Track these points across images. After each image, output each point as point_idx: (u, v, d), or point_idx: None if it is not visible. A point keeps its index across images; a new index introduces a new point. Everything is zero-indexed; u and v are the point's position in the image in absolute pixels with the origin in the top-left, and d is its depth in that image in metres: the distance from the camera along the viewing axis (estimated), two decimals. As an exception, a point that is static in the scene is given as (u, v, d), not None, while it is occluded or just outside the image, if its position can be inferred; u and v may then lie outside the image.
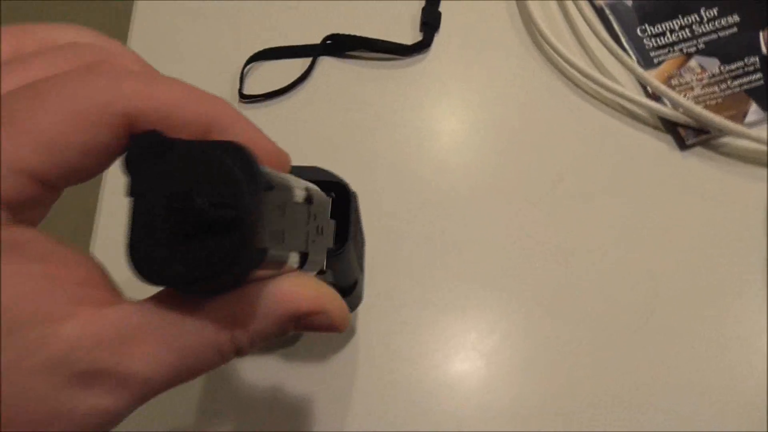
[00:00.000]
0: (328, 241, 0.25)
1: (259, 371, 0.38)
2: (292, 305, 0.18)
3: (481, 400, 0.36)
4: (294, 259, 0.19)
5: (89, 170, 0.16)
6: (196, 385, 0.37)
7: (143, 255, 0.15)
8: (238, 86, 0.46)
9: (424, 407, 0.36)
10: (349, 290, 0.32)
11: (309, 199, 0.20)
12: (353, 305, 0.35)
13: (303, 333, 0.39)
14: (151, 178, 0.15)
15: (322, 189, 0.29)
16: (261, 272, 0.17)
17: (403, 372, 0.37)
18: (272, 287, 0.17)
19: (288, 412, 0.37)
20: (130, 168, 0.16)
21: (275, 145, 0.20)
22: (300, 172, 0.28)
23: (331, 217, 0.28)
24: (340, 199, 0.29)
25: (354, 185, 0.42)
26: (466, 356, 0.37)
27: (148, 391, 0.16)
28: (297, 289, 0.18)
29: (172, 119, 0.17)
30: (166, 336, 0.16)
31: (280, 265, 0.18)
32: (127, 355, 0.15)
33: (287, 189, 0.18)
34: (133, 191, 0.16)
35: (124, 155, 0.16)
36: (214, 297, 0.17)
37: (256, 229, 0.15)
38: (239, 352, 0.17)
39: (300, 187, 0.19)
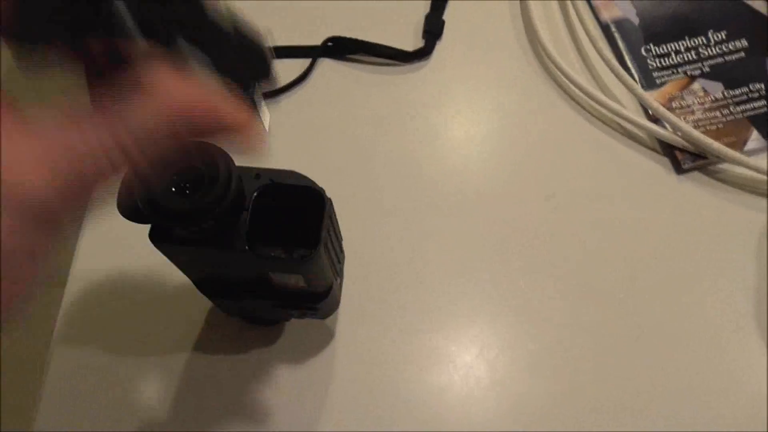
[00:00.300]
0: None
1: (235, 370, 0.38)
2: (174, 98, 0.18)
3: (459, 414, 0.36)
4: None
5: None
6: (166, 385, 0.37)
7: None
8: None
9: (399, 416, 0.36)
10: (323, 295, 0.32)
11: None
12: (329, 310, 0.35)
13: (283, 321, 0.38)
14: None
15: (297, 195, 0.28)
16: None
17: (381, 379, 0.37)
18: (154, 83, 0.18)
19: (262, 413, 0.37)
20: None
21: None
22: (276, 175, 0.28)
23: (307, 223, 0.28)
24: (315, 205, 0.28)
25: (348, 187, 0.41)
26: (443, 369, 0.37)
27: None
28: (179, 83, 0.18)
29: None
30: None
31: None
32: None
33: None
34: None
35: None
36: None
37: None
38: (128, 156, 0.17)
39: None
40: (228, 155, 0.27)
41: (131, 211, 0.26)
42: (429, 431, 0.35)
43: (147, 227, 0.28)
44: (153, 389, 0.37)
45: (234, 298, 0.33)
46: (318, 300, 0.32)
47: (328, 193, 0.29)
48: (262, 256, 0.28)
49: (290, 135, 0.44)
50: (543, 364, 0.37)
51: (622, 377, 0.36)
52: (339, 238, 0.33)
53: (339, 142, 0.44)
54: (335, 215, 0.31)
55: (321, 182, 0.29)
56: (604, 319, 0.38)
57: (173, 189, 0.26)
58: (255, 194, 0.28)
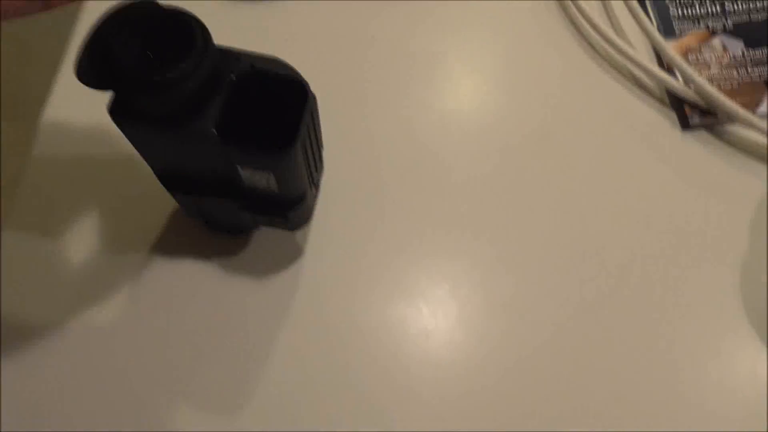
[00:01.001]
0: None
1: (193, 279, 0.36)
2: None
3: (422, 346, 0.34)
4: None
5: None
6: (118, 288, 0.35)
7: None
8: None
9: (362, 342, 0.34)
10: (295, 202, 0.30)
11: None
12: (299, 222, 0.33)
13: (249, 230, 0.36)
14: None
15: (280, 86, 0.26)
16: None
17: (347, 304, 0.35)
18: None
19: (217, 326, 0.35)
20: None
21: None
22: (258, 61, 0.26)
23: (286, 118, 0.26)
24: (297, 99, 0.26)
25: (338, 100, 0.38)
26: (411, 302, 0.35)
27: None
28: None
29: None
30: None
31: None
32: None
33: None
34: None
35: None
36: None
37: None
38: None
39: None
40: (205, 27, 0.24)
41: (91, 76, 0.24)
42: (390, 362, 0.34)
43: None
44: (103, 291, 0.35)
45: (198, 194, 0.30)
46: (289, 207, 0.30)
47: (316, 93, 0.26)
48: (231, 145, 0.25)
49: (279, 40, 0.41)
50: (517, 308, 0.35)
51: (596, 326, 0.35)
52: (319, 145, 0.30)
53: (332, 55, 0.41)
54: (318, 117, 0.28)
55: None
56: (584, 266, 0.36)
57: (141, 54, 0.23)
58: (232, 77, 0.25)
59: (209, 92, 0.25)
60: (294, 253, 0.36)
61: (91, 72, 0.23)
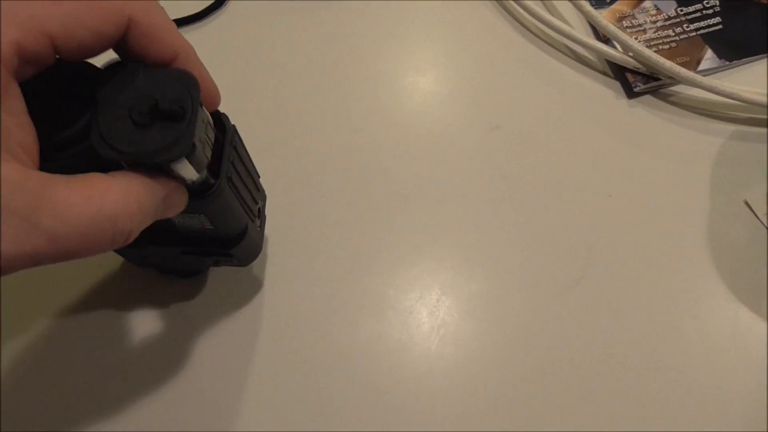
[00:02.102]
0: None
1: (152, 329, 0.34)
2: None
3: (393, 362, 0.33)
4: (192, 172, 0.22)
5: (87, 50, 0.20)
6: (72, 345, 0.34)
7: (106, 137, 0.20)
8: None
9: (336, 366, 0.33)
10: (236, 239, 0.28)
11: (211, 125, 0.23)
12: (247, 257, 0.31)
13: (200, 271, 0.35)
14: (119, 87, 0.21)
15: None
16: (177, 168, 0.21)
17: (315, 329, 0.34)
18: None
19: (183, 373, 0.33)
20: (104, 74, 0.21)
21: (215, 86, 0.24)
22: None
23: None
24: (217, 131, 0.24)
25: (270, 121, 0.37)
26: (382, 315, 0.34)
27: (48, 249, 0.18)
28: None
29: (155, 39, 0.22)
30: (74, 204, 0.18)
31: (194, 168, 0.22)
32: (40, 210, 0.18)
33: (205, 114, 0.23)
34: (102, 94, 0.21)
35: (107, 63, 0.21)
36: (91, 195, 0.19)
37: (195, 125, 0.20)
38: (130, 235, 0.20)
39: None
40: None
41: None
42: (368, 379, 0.33)
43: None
44: (60, 349, 0.33)
45: (135, 246, 0.29)
46: (230, 245, 0.28)
47: (240, 124, 0.25)
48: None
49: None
50: (486, 307, 0.34)
51: (567, 315, 0.34)
52: (252, 174, 0.29)
53: (254, 78, 0.40)
54: (243, 145, 0.27)
55: (237, 115, 0.24)
56: (550, 257, 0.35)
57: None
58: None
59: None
60: (253, 287, 0.35)
61: None
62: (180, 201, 0.23)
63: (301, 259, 0.35)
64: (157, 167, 0.21)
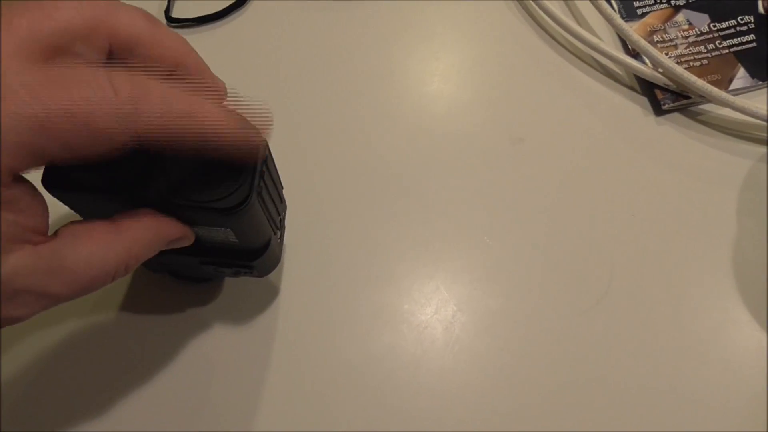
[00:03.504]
0: None
1: (167, 334, 0.34)
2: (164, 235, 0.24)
3: (406, 377, 0.33)
4: None
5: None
6: (88, 350, 0.33)
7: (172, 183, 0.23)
8: (165, 6, 0.40)
9: (349, 377, 0.33)
10: (259, 252, 0.28)
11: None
12: (267, 268, 0.31)
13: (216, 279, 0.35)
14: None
15: None
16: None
17: (329, 339, 0.33)
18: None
19: (198, 379, 0.33)
20: None
21: (216, 79, 0.25)
22: None
23: (236, 164, 0.24)
24: None
25: (290, 127, 0.37)
26: (396, 328, 0.34)
27: (54, 304, 0.21)
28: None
29: (152, 54, 0.22)
30: (78, 271, 0.21)
31: None
32: (50, 282, 0.21)
33: None
34: None
35: None
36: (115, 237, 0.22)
37: (256, 174, 0.23)
38: (126, 272, 0.23)
39: None
40: None
41: None
42: (380, 393, 0.32)
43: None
44: (71, 351, 0.33)
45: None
46: (253, 257, 0.28)
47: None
48: (181, 205, 0.23)
49: (222, 66, 0.39)
50: (504, 324, 0.34)
51: (587, 336, 0.34)
52: (278, 186, 0.29)
53: (275, 76, 0.39)
54: (272, 157, 0.26)
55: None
56: (571, 274, 0.35)
57: None
58: None
59: (153, 156, 0.23)
60: (268, 293, 0.34)
61: None
62: (185, 242, 0.25)
63: (316, 267, 0.35)
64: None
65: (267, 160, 0.25)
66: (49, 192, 0.23)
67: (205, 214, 0.24)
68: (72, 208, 0.25)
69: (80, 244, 0.21)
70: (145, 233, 0.23)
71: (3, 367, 0.33)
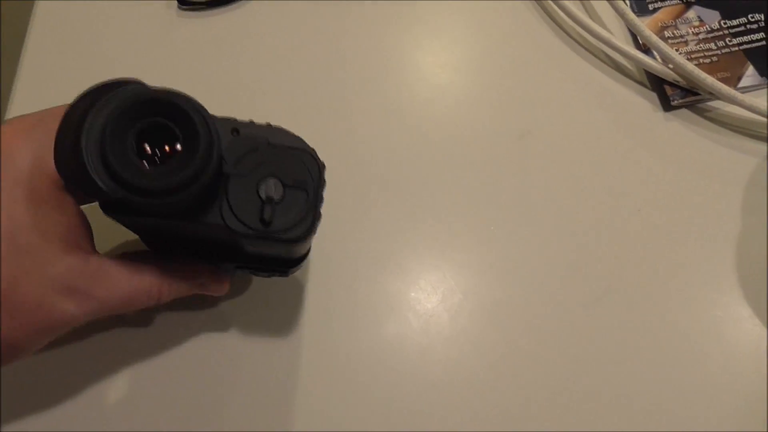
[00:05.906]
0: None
1: (194, 326, 0.34)
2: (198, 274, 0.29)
3: (411, 366, 0.33)
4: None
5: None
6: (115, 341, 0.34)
7: (236, 212, 0.23)
8: (177, -10, 0.40)
9: (357, 367, 0.33)
10: (301, 259, 0.29)
11: None
12: (297, 269, 0.31)
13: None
14: (244, 157, 0.23)
15: (288, 156, 0.24)
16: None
17: (336, 329, 0.34)
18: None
19: (222, 368, 0.33)
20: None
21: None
22: (263, 132, 0.24)
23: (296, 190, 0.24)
24: (304, 168, 0.24)
25: (295, 122, 0.37)
26: (402, 317, 0.34)
27: (99, 310, 0.25)
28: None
29: None
30: (121, 282, 0.26)
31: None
32: (96, 285, 0.25)
33: None
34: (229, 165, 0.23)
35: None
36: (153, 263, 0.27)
37: (317, 204, 0.24)
38: (160, 299, 0.28)
39: None
40: (200, 105, 0.21)
41: (80, 180, 0.21)
42: (387, 383, 0.33)
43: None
44: (87, 345, 0.34)
45: (191, 258, 0.29)
46: (294, 264, 0.28)
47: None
48: (243, 234, 0.23)
49: (234, 50, 0.39)
50: (508, 315, 0.34)
51: (591, 327, 0.34)
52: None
53: (286, 63, 0.39)
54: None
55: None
56: (576, 268, 0.35)
57: (136, 153, 0.21)
58: (239, 158, 0.23)
59: (215, 181, 0.23)
60: (275, 284, 0.34)
61: (75, 175, 0.21)
62: (217, 290, 0.30)
63: (340, 262, 0.35)
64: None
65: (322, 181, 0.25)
66: (107, 215, 0.23)
67: (268, 243, 0.24)
68: (129, 228, 0.26)
69: (123, 263, 0.26)
70: (175, 274, 0.28)
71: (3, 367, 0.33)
